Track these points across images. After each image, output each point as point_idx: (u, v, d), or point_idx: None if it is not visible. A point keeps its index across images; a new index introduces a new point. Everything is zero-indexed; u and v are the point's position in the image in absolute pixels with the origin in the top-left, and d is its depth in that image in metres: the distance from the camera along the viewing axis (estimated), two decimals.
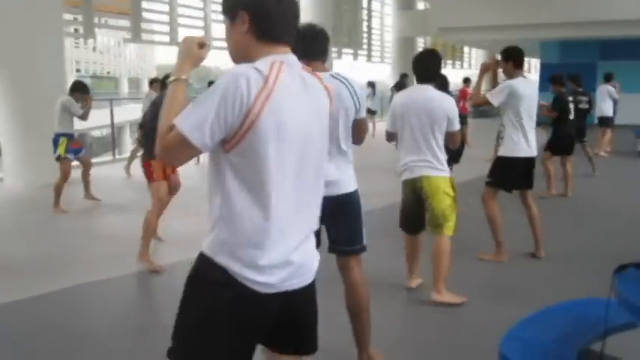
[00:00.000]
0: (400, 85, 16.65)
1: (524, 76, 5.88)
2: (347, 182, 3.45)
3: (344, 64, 26.08)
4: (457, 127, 4.76)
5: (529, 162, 5.92)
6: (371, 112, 19.84)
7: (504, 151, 5.91)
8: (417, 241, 5.11)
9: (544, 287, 5.25)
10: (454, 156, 7.72)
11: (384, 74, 29.43)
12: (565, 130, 9.39)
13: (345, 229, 3.51)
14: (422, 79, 4.78)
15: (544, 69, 24.79)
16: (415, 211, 4.89)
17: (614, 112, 14.22)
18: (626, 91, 17.16)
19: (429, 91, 4.74)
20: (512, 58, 5.78)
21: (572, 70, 12.57)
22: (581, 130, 10.96)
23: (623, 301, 2.49)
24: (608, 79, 14.22)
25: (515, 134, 5.79)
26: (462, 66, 36.98)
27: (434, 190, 4.69)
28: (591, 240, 6.91)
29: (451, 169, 7.77)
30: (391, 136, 4.95)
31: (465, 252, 6.02)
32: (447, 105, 4.70)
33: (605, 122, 14.03)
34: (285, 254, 1.89)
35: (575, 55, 23.91)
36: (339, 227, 3.49)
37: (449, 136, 4.77)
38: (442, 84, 7.53)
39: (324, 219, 2.73)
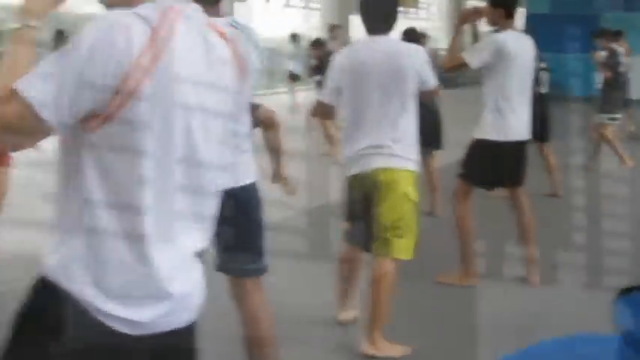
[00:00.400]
0: (321, 43, 16.32)
1: (515, 30, 5.92)
2: (242, 171, 3.44)
3: (251, 9, 25.87)
4: (433, 82, 4.76)
5: (519, 148, 5.92)
6: (293, 78, 19.58)
7: (484, 132, 5.89)
8: (358, 257, 5.02)
9: (527, 321, 5.29)
10: (432, 138, 7.73)
11: (308, 24, 29.38)
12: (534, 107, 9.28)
13: (240, 239, 3.47)
14: (374, 29, 4.70)
15: (531, 22, 25.13)
16: (368, 220, 4.71)
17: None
18: None
19: (388, 42, 4.72)
20: (504, 4, 5.79)
21: (567, 23, 12.66)
22: (616, 102, 11.24)
23: (628, 336, 2.52)
24: (615, 37, 14.48)
25: (500, 109, 5.75)
26: (417, 14, 37.41)
27: (390, 187, 4.57)
28: (590, 257, 6.86)
29: (430, 156, 7.94)
30: (325, 111, 4.93)
31: (422, 271, 5.90)
32: (416, 58, 4.67)
33: None
34: (161, 283, 1.87)
35: (571, 4, 24.37)
36: (232, 235, 3.41)
37: (424, 96, 4.81)
38: (410, 40, 7.45)
39: None
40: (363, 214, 4.73)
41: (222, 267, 3.61)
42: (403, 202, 4.59)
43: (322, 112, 5.01)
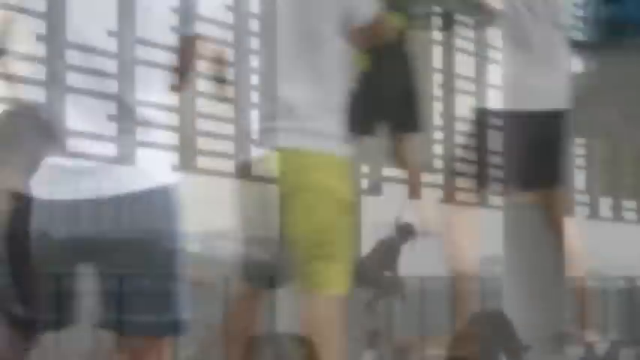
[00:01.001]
0: None
1: None
2: (138, 170, 2.59)
3: None
4: None
5: None
6: None
7: None
8: (256, 304, 3.61)
9: None
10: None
11: None
12: None
13: (135, 275, 2.59)
14: None
15: None
16: (273, 237, 3.43)
17: None
18: None
19: None
20: None
21: None
22: None
23: None
24: None
25: None
26: None
27: (297, 183, 3.31)
28: None
29: None
30: None
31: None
32: None
33: None
34: None
35: None
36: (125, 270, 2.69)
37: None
38: None
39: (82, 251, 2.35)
40: (264, 229, 3.47)
41: (106, 321, 2.60)
42: (325, 205, 3.33)
43: None
